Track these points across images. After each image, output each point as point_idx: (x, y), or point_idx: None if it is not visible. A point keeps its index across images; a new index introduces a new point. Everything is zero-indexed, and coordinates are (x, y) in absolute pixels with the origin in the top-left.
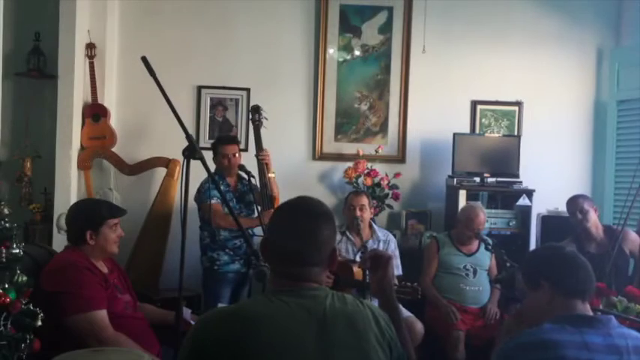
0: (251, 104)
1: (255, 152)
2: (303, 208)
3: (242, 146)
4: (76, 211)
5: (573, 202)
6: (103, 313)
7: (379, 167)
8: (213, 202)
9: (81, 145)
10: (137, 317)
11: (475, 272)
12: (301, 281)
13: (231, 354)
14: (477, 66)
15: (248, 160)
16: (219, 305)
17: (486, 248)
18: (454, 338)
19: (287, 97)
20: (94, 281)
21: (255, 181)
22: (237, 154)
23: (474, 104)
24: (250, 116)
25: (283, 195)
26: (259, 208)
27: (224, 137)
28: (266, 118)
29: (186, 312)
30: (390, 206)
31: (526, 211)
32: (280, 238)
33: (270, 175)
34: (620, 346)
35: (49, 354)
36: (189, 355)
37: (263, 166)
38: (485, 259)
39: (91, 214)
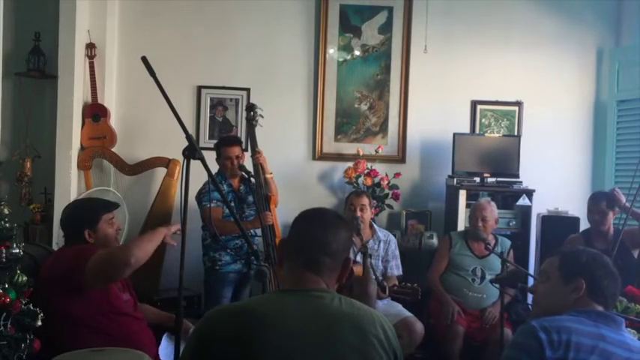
0: None
1: (251, 156)
2: (319, 215)
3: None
4: (71, 213)
5: (596, 203)
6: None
7: (379, 167)
8: (212, 205)
9: (81, 145)
10: (137, 317)
11: (483, 278)
12: (311, 282)
13: (235, 351)
14: (477, 66)
15: (248, 160)
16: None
17: (496, 255)
18: (454, 332)
19: (287, 97)
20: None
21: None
22: (239, 156)
23: (474, 104)
24: (246, 115)
25: (283, 195)
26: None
27: (227, 139)
28: (261, 116)
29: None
30: (390, 206)
31: (526, 211)
32: (294, 240)
33: (267, 175)
34: (631, 345)
35: (49, 354)
36: (194, 351)
37: (258, 166)
38: (497, 262)
39: (85, 212)
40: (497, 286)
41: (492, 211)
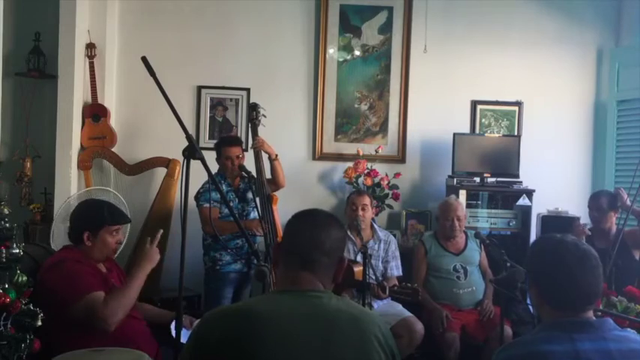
0: None
1: (252, 145)
2: (312, 216)
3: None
4: (80, 211)
5: (596, 200)
6: (97, 294)
7: (379, 167)
8: (206, 205)
9: (81, 145)
10: (136, 317)
11: (466, 272)
12: (307, 282)
13: (234, 351)
14: (477, 66)
15: (248, 160)
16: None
17: (482, 246)
18: (448, 340)
19: (287, 97)
20: (86, 271)
21: (254, 181)
22: (240, 156)
23: (474, 104)
24: (248, 114)
25: (283, 195)
26: (258, 205)
27: (227, 139)
28: (264, 116)
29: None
30: (390, 206)
31: (526, 211)
32: (289, 242)
33: (274, 160)
34: (613, 351)
35: (49, 354)
36: (193, 353)
37: (260, 162)
38: (475, 254)
39: (92, 215)
40: (493, 285)
41: (463, 208)
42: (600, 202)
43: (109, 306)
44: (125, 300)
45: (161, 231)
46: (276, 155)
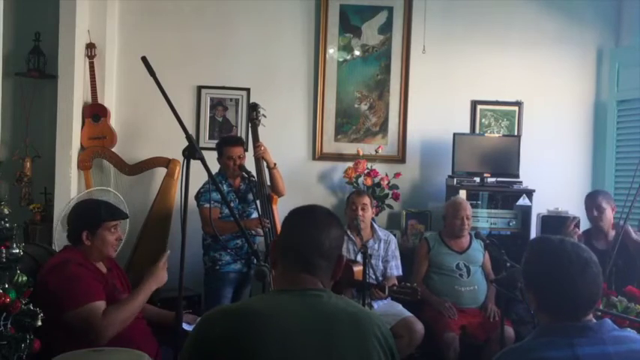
0: None
1: (253, 153)
2: (311, 214)
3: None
4: (76, 211)
5: (591, 199)
6: (97, 305)
7: (379, 167)
8: (206, 206)
9: (81, 145)
10: (137, 317)
11: (469, 271)
12: (307, 282)
13: (233, 350)
14: (477, 66)
15: (249, 160)
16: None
17: (484, 247)
18: (448, 339)
19: (287, 97)
20: (88, 276)
21: (254, 183)
22: (241, 156)
23: (474, 104)
24: (248, 114)
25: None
26: (259, 206)
27: (229, 138)
28: (264, 116)
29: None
30: (390, 206)
31: (526, 211)
32: (288, 242)
33: (271, 166)
34: (611, 354)
35: (49, 354)
36: (192, 352)
37: (261, 164)
38: (478, 255)
39: (89, 214)
40: (495, 285)
41: (470, 208)
42: (597, 200)
43: (108, 319)
44: (125, 315)
45: (168, 252)
46: (275, 164)
